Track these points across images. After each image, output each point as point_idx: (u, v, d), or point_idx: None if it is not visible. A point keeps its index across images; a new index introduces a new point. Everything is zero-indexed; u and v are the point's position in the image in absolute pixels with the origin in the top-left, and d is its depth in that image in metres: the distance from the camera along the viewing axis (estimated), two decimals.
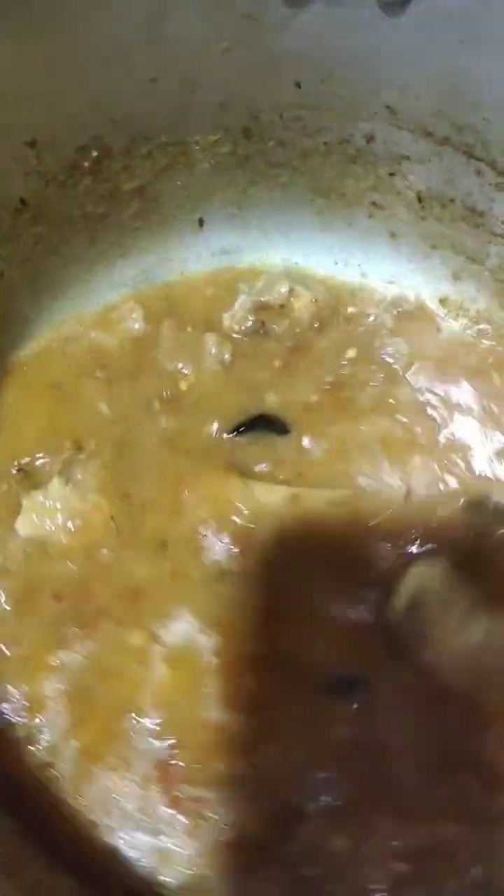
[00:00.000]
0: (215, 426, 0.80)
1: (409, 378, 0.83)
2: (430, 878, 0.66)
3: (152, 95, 0.73)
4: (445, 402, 0.82)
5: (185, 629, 0.72)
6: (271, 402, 0.81)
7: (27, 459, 0.78)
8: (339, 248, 0.89)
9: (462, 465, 0.79)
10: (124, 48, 0.68)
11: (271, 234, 0.89)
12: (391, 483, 0.78)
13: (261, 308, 0.85)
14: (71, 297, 0.84)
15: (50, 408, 0.80)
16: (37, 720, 0.70)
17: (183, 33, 0.68)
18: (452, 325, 0.87)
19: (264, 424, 0.80)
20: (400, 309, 0.87)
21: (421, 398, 0.82)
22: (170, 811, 0.67)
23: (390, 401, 0.82)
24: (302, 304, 0.84)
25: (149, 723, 0.69)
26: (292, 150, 0.82)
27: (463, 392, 0.82)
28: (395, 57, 0.69)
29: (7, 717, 0.70)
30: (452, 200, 0.82)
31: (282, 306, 0.84)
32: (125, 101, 0.73)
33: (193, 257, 0.89)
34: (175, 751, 0.69)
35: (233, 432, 0.79)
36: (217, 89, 0.74)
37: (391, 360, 0.84)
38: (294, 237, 0.89)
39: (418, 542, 0.75)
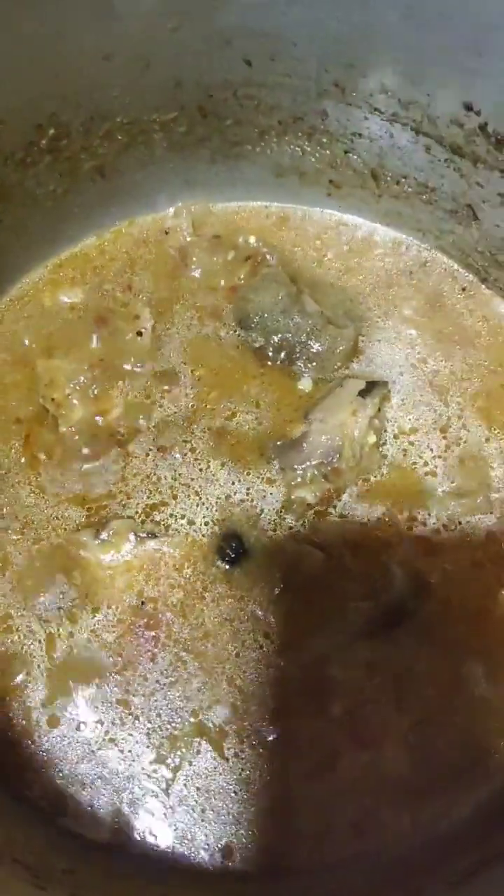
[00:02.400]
0: None
1: None
2: None
3: (106, 73, 0.74)
4: None
5: None
6: None
7: None
8: None
9: None
10: (74, 24, 0.69)
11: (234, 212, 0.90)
12: None
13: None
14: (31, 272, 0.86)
15: None
16: None
17: (132, 9, 0.69)
18: None
19: None
20: None
21: None
22: None
23: None
24: None
25: None
26: (249, 128, 0.84)
27: None
28: (340, 32, 0.71)
29: None
30: (405, 177, 0.83)
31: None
32: (79, 79, 0.74)
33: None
34: None
35: None
36: (170, 67, 0.76)
37: None
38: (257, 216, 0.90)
39: None
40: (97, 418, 0.82)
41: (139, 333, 0.85)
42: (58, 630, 0.75)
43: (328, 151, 0.84)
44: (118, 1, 0.68)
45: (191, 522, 0.79)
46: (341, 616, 0.76)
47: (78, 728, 0.73)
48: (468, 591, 0.77)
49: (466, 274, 0.88)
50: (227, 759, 0.72)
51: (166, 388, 0.84)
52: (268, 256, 0.88)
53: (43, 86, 0.73)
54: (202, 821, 0.71)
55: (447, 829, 0.70)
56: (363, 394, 0.80)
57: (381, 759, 0.72)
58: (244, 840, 0.71)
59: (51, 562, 0.77)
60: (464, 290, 0.87)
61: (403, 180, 0.84)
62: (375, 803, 0.71)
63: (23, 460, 0.81)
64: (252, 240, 0.89)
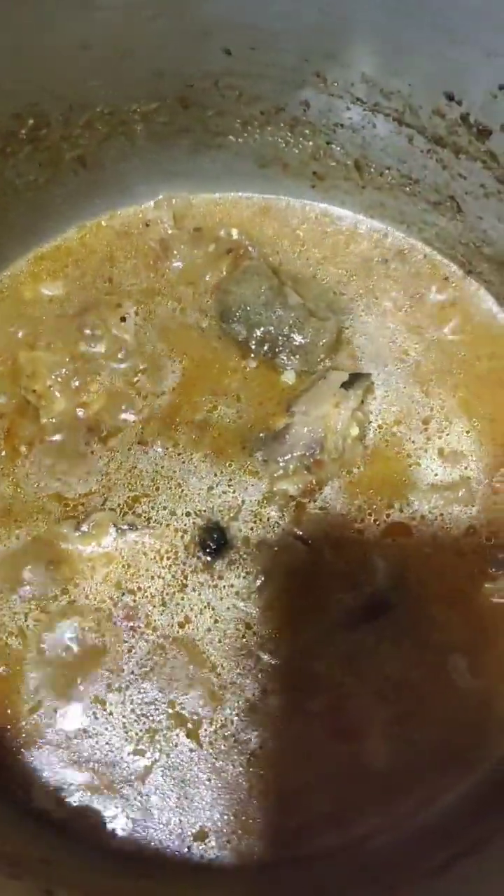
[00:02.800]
0: None
1: None
2: None
3: (86, 62, 0.74)
4: None
5: None
6: None
7: None
8: None
9: None
10: (53, 13, 0.68)
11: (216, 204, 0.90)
12: None
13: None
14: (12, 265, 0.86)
15: None
16: None
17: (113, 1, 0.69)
18: None
19: None
20: None
21: None
22: None
23: None
24: None
25: None
26: (231, 119, 0.83)
27: None
28: (319, 23, 0.70)
29: None
30: (388, 168, 0.83)
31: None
32: (59, 69, 0.74)
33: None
34: None
35: None
36: (150, 57, 0.75)
37: None
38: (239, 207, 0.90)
39: None
40: (79, 410, 0.82)
41: (122, 319, 0.84)
42: (36, 621, 0.75)
43: (311, 142, 0.84)
44: None
45: (172, 514, 0.78)
46: (323, 608, 0.76)
47: (55, 718, 0.73)
48: (450, 584, 0.76)
49: (450, 266, 0.87)
50: (204, 749, 0.72)
51: (148, 380, 0.83)
52: (250, 249, 0.88)
53: (22, 75, 0.73)
54: (178, 811, 0.71)
55: (426, 822, 0.70)
56: (346, 386, 0.80)
57: (361, 752, 0.72)
58: (221, 831, 0.70)
59: (30, 553, 0.76)
60: (447, 280, 0.87)
61: (387, 171, 0.83)
62: (354, 795, 0.71)
63: (3, 453, 0.80)
64: (234, 232, 0.89)
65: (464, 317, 0.85)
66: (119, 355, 0.84)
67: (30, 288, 0.87)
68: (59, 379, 0.83)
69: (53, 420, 0.81)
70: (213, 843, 0.70)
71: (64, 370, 0.83)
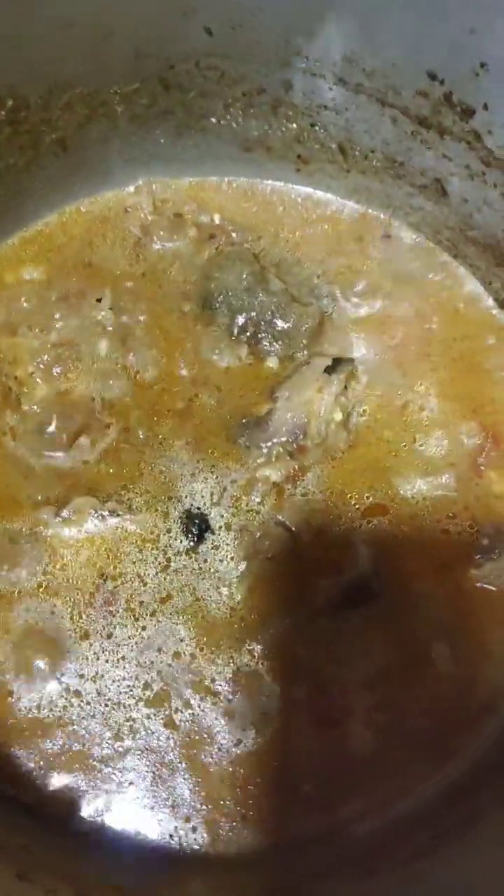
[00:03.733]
0: None
1: None
2: None
3: (65, 42, 0.73)
4: None
5: None
6: None
7: None
8: None
9: None
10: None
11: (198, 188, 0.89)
12: None
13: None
14: None
15: None
16: None
17: None
18: None
19: None
20: None
21: None
22: None
23: None
24: None
25: None
26: (214, 100, 0.82)
27: None
28: (300, 1, 0.69)
29: None
30: (373, 151, 0.82)
31: None
32: (38, 48, 0.73)
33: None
34: None
35: None
36: (130, 36, 0.74)
37: None
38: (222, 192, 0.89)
39: None
40: (60, 397, 0.81)
41: (103, 305, 0.83)
42: (16, 604, 0.74)
43: (294, 125, 0.83)
44: None
45: (154, 500, 0.78)
46: (305, 594, 0.75)
47: (33, 702, 0.72)
48: (433, 569, 0.76)
49: (436, 250, 0.87)
50: (181, 732, 0.71)
51: (130, 367, 0.82)
52: (232, 234, 0.87)
53: (1, 55, 0.72)
54: (156, 798, 0.70)
55: (409, 806, 0.69)
56: (329, 371, 0.79)
57: (343, 737, 0.71)
58: (199, 817, 0.70)
59: (11, 538, 0.75)
60: (433, 266, 0.86)
61: (371, 154, 0.82)
62: (337, 781, 0.70)
63: None
64: (217, 217, 0.88)
65: (449, 301, 0.85)
66: (100, 342, 0.83)
67: (11, 272, 0.86)
68: (41, 365, 0.82)
69: (35, 407, 0.80)
70: (191, 831, 0.70)
71: (45, 356, 0.82)
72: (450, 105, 0.72)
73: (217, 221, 0.88)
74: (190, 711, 0.72)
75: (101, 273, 0.86)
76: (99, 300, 0.83)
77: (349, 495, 0.78)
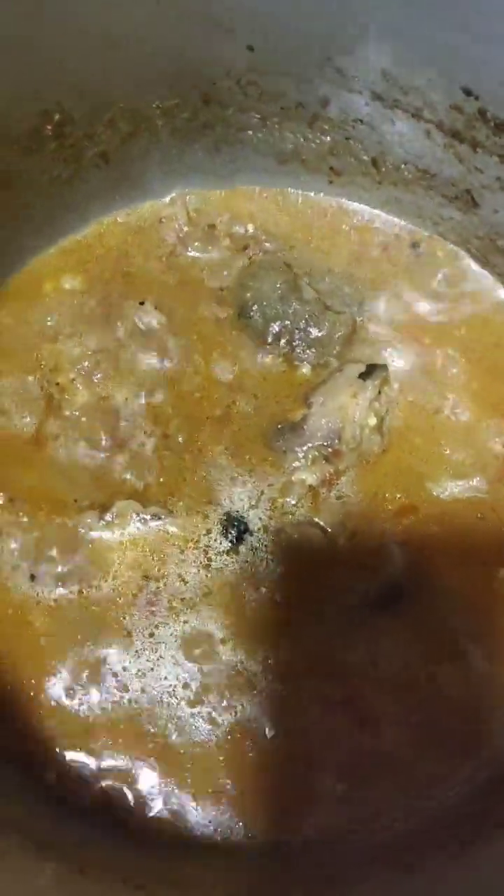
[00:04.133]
0: None
1: None
2: None
3: (109, 61, 0.76)
4: None
5: None
6: None
7: None
8: None
9: None
10: (78, 13, 0.70)
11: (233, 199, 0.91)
12: None
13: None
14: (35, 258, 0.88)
15: None
16: None
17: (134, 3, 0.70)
18: None
19: None
20: None
21: None
22: None
23: None
24: None
25: None
26: (252, 115, 0.85)
27: None
28: (339, 18, 0.72)
29: None
30: (405, 163, 0.84)
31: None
32: (83, 67, 0.75)
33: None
34: None
35: None
36: (173, 55, 0.77)
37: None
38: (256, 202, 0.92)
39: None
40: (101, 403, 0.83)
41: (141, 314, 0.85)
42: (60, 601, 0.76)
43: (329, 138, 0.85)
44: None
45: (195, 504, 0.80)
46: (341, 595, 0.77)
47: (75, 698, 0.74)
48: (465, 570, 0.78)
49: (466, 259, 0.89)
50: (219, 727, 0.73)
51: (169, 374, 0.85)
52: (266, 244, 0.89)
53: (47, 73, 0.75)
54: (193, 791, 0.72)
55: (437, 808, 0.71)
56: (363, 377, 0.81)
57: (376, 736, 0.73)
58: (240, 811, 0.72)
59: (57, 540, 0.78)
60: (462, 274, 0.88)
61: (403, 167, 0.85)
62: (367, 779, 0.72)
63: (30, 444, 0.82)
64: (250, 227, 0.90)
65: (478, 310, 0.87)
66: (138, 349, 0.85)
67: (50, 281, 0.88)
68: (82, 372, 0.84)
69: (77, 412, 0.83)
70: (226, 825, 0.72)
71: (86, 363, 0.85)
72: (483, 120, 0.74)
73: (251, 231, 0.90)
74: (229, 708, 0.74)
75: (138, 282, 0.88)
76: (142, 303, 0.85)
77: (382, 498, 0.80)
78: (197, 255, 0.89)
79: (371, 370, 0.82)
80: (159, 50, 0.76)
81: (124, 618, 0.77)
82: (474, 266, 0.89)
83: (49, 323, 0.87)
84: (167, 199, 0.91)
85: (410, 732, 0.75)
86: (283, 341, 0.85)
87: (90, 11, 0.71)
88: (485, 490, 0.81)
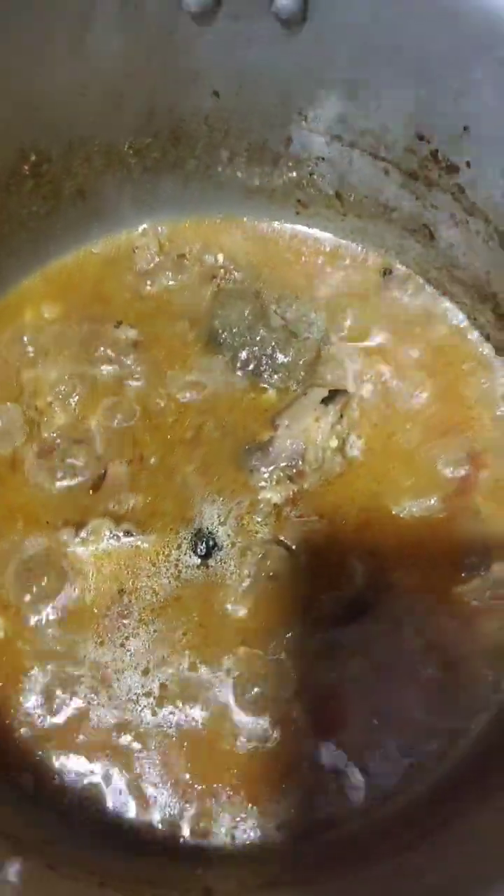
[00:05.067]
0: None
1: None
2: None
3: (82, 104, 0.80)
4: None
5: None
6: None
7: None
8: None
9: None
10: (51, 60, 0.75)
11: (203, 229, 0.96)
12: None
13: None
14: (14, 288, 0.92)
15: None
16: None
17: (104, 48, 0.75)
18: None
19: None
20: None
21: None
22: None
23: None
24: None
25: None
26: (219, 152, 0.89)
27: None
28: (298, 67, 0.77)
29: None
30: (367, 197, 0.89)
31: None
32: (57, 110, 0.80)
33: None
34: None
35: None
36: (142, 98, 0.81)
37: None
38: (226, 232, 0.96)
39: None
40: (77, 425, 0.88)
41: (116, 340, 0.90)
42: (36, 615, 0.80)
43: (294, 174, 0.90)
44: (91, 40, 0.74)
45: (166, 521, 0.84)
46: (306, 609, 0.81)
47: (50, 703, 0.78)
48: (423, 585, 0.82)
49: (427, 287, 0.93)
50: (183, 730, 0.77)
51: (142, 398, 0.89)
52: (235, 273, 0.94)
53: (24, 116, 0.79)
54: (168, 794, 0.76)
55: (396, 805, 0.75)
56: (326, 401, 0.85)
57: (341, 739, 0.77)
58: (204, 810, 0.76)
59: (32, 556, 0.82)
60: (423, 303, 0.93)
61: (366, 200, 0.89)
62: (332, 780, 0.76)
63: (8, 464, 0.86)
64: (220, 257, 0.95)
65: (437, 334, 0.91)
66: (113, 374, 0.90)
67: (31, 309, 0.93)
68: (60, 395, 0.88)
69: (54, 434, 0.87)
70: (202, 823, 0.76)
71: (63, 387, 0.89)
72: (436, 162, 0.79)
73: (220, 261, 0.95)
74: (196, 715, 0.78)
75: (113, 309, 0.92)
76: (117, 325, 0.90)
77: (343, 515, 0.84)
78: (169, 283, 0.94)
79: (333, 395, 0.86)
80: (129, 94, 0.81)
81: (98, 628, 0.81)
82: (435, 294, 0.93)
83: (28, 349, 0.91)
84: (139, 230, 0.95)
85: (372, 735, 0.78)
86: (251, 367, 0.89)
87: (61, 60, 0.75)
88: (442, 508, 0.85)
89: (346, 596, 0.82)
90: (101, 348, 0.91)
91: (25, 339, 0.91)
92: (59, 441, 0.87)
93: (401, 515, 0.84)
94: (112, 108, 0.82)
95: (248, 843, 0.75)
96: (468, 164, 0.77)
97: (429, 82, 0.74)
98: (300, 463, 0.84)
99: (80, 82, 0.78)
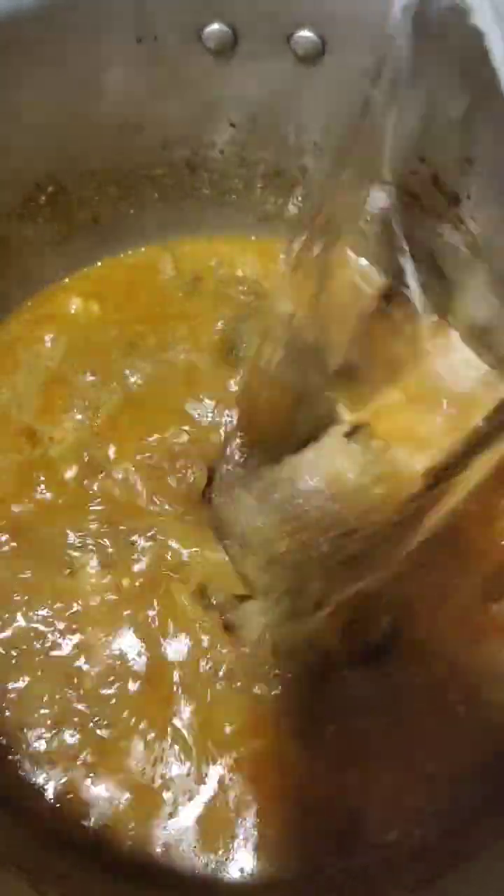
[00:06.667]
0: None
1: None
2: None
3: (99, 138, 0.80)
4: None
5: None
6: None
7: None
8: None
9: None
10: (67, 96, 0.75)
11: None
12: None
13: None
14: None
15: None
16: None
17: (121, 86, 0.75)
18: None
19: None
20: None
21: None
22: None
23: None
24: None
25: None
26: (235, 181, 0.89)
27: None
28: (314, 102, 0.76)
29: None
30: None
31: None
32: (74, 141, 0.80)
33: None
34: None
35: None
36: (158, 131, 0.81)
37: None
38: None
39: None
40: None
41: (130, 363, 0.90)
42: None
43: (309, 202, 0.90)
44: (108, 79, 0.74)
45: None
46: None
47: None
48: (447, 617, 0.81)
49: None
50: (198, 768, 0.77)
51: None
52: (252, 290, 0.94)
53: (39, 149, 0.79)
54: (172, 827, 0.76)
55: (409, 843, 0.75)
56: (347, 435, 0.85)
57: (360, 781, 0.76)
58: (209, 845, 0.75)
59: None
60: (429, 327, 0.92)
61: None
62: (346, 819, 0.76)
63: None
64: (239, 273, 0.94)
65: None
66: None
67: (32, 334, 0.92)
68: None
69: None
70: (206, 856, 0.75)
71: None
72: (438, 186, 0.78)
73: (237, 277, 0.95)
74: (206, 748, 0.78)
75: (127, 330, 0.92)
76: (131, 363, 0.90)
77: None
78: (183, 303, 0.94)
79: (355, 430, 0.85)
80: (146, 126, 0.81)
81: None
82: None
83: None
84: (155, 251, 0.95)
85: (391, 776, 0.77)
86: None
87: (77, 97, 0.75)
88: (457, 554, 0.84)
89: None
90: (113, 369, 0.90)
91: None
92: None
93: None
94: (128, 140, 0.81)
95: (255, 876, 0.75)
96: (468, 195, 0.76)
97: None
98: None
99: (97, 115, 0.78)
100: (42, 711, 0.77)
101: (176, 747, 0.77)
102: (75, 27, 0.69)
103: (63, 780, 0.76)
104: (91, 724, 0.77)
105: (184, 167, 0.87)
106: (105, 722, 0.77)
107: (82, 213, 0.88)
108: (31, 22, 0.68)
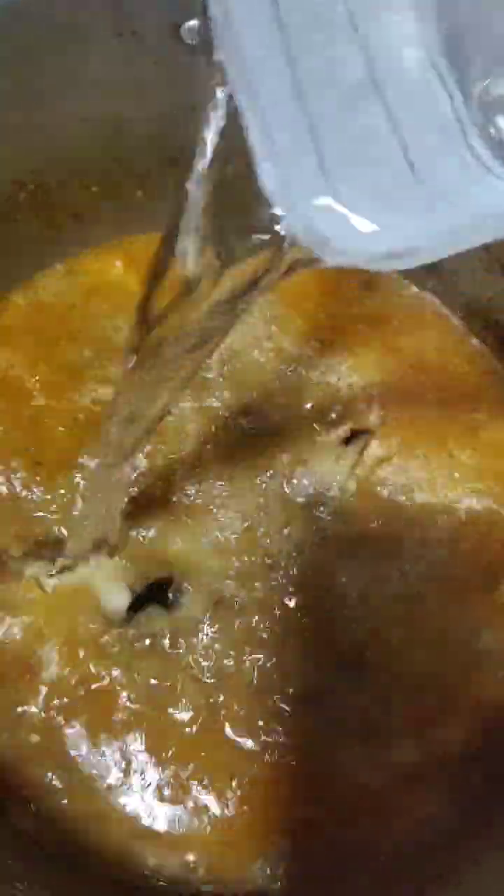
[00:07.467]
0: None
1: None
2: None
3: (80, 134, 0.77)
4: None
5: None
6: None
7: None
8: None
9: None
10: (47, 91, 0.72)
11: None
12: None
13: None
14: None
15: None
16: None
17: (103, 78, 0.72)
18: None
19: None
20: None
21: None
22: None
23: None
24: None
25: None
26: (222, 174, 0.86)
27: None
28: None
29: None
30: None
31: None
32: (57, 139, 0.77)
33: None
34: None
35: None
36: (142, 127, 0.78)
37: None
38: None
39: None
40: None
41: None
42: None
43: None
44: (91, 71, 0.71)
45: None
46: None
47: None
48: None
49: (455, 321, 0.90)
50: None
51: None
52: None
53: (23, 146, 0.76)
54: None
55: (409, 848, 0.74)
56: (346, 442, 0.83)
57: (347, 787, 0.75)
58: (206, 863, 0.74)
59: None
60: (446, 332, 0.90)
61: None
62: (337, 831, 0.75)
63: None
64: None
65: (459, 373, 0.89)
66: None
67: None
68: None
69: None
70: (196, 869, 0.74)
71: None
72: None
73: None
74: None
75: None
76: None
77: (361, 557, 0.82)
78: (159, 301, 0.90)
79: (354, 436, 0.84)
80: (128, 124, 0.78)
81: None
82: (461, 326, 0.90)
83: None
84: (136, 244, 0.91)
85: (379, 783, 0.76)
86: None
87: (61, 91, 0.72)
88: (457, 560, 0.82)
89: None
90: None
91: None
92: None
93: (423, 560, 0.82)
94: (110, 137, 0.78)
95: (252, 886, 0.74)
96: None
97: None
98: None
99: (79, 112, 0.74)
100: None
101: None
102: (53, 22, 0.66)
103: None
104: None
105: (167, 164, 0.83)
106: None
107: (64, 211, 0.85)
108: (8, 16, 0.65)
